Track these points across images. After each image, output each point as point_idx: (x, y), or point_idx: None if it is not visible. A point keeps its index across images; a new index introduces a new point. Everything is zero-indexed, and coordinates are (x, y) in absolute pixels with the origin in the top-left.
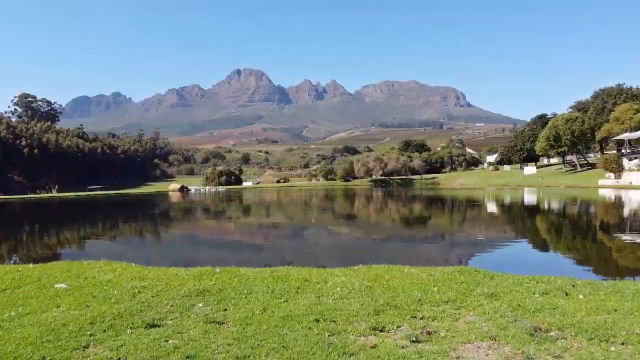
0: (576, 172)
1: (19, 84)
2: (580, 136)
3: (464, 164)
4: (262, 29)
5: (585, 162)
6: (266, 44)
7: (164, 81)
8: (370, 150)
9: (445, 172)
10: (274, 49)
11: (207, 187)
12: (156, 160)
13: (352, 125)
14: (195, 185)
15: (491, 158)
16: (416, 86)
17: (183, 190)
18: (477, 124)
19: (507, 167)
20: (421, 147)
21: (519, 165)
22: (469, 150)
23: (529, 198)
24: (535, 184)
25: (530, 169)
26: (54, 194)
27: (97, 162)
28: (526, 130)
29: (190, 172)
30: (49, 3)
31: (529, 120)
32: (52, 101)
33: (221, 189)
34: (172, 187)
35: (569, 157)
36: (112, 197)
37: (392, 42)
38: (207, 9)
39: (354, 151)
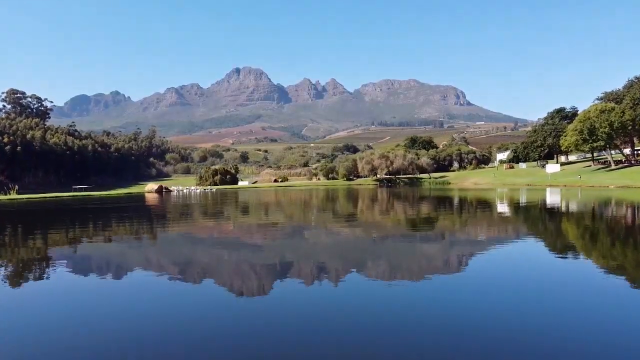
0: (611, 169)
1: (17, 83)
2: (620, 129)
3: (473, 162)
4: (262, 28)
5: (624, 157)
6: (265, 42)
7: (163, 80)
8: (370, 148)
9: (453, 171)
10: (274, 48)
11: (193, 188)
12: (152, 159)
13: (352, 124)
14: (179, 186)
15: (502, 156)
16: (416, 85)
17: (161, 191)
18: (477, 123)
19: (522, 165)
20: (428, 145)
21: (536, 163)
22: (472, 148)
23: (583, 203)
24: (572, 183)
25: (553, 167)
26: (13, 195)
27: (88, 160)
28: (546, 125)
29: (187, 171)
30: (47, 1)
31: (528, 118)
32: (43, 98)
33: (211, 189)
34: (148, 187)
35: (589, 155)
36: (72, 199)
37: (392, 41)
38: (207, 7)
39: (354, 149)
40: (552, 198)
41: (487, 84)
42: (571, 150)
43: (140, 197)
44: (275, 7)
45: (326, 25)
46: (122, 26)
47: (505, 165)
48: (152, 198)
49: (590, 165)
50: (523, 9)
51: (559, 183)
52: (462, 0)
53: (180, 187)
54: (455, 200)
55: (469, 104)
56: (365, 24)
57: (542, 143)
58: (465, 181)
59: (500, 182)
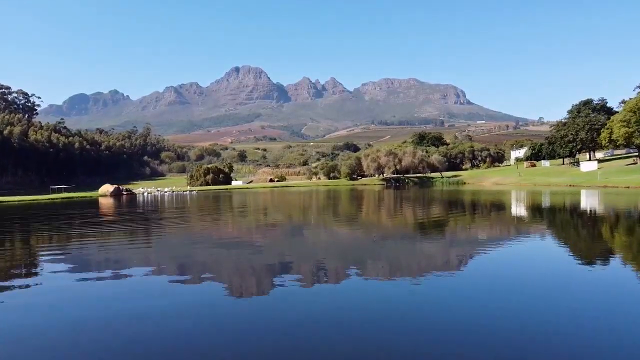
0: None
1: (16, 81)
2: None
3: (487, 160)
4: (261, 27)
5: None
6: (265, 41)
7: (162, 79)
8: (371, 146)
9: (466, 169)
10: (273, 47)
11: (167, 189)
12: (146, 158)
13: (352, 123)
14: (153, 187)
15: (517, 153)
16: (416, 84)
17: (119, 193)
18: (477, 122)
19: (545, 163)
20: (438, 141)
21: (561, 160)
22: (484, 145)
23: None
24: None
25: (589, 165)
26: None
27: (75, 159)
28: (578, 118)
29: (182, 170)
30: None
31: (528, 117)
32: (30, 93)
33: (191, 191)
34: (102, 189)
35: (618, 151)
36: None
37: (392, 40)
38: (206, 6)
39: (354, 148)
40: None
41: (487, 83)
42: (607, 146)
43: (85, 202)
44: (275, 6)
45: (326, 24)
46: (121, 25)
47: (526, 164)
48: (104, 204)
49: (636, 162)
50: (523, 8)
51: (616, 183)
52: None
53: (150, 189)
54: (497, 205)
55: (469, 103)
56: (365, 23)
57: (573, 138)
58: (483, 181)
59: (529, 182)
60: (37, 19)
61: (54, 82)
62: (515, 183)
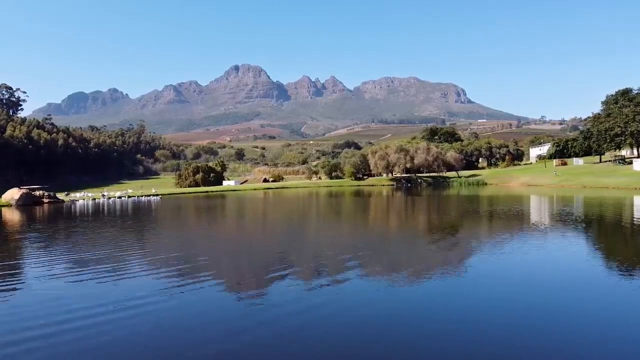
0: None
1: (15, 80)
2: None
3: (507, 157)
4: (261, 25)
5: None
6: (265, 39)
7: (162, 77)
8: (372, 145)
9: (482, 168)
10: (273, 45)
11: (119, 194)
12: (139, 156)
13: (352, 122)
14: (86, 192)
15: (537, 151)
16: (416, 82)
17: (38, 201)
18: (478, 120)
19: (578, 161)
20: (451, 137)
21: (597, 158)
22: (503, 141)
23: None
24: None
25: None
26: None
27: (58, 156)
28: (625, 109)
29: (178, 169)
30: None
31: (529, 116)
32: (14, 87)
33: (155, 195)
34: (6, 197)
35: None
36: None
37: (392, 38)
38: (205, 4)
39: (355, 147)
40: None
41: (488, 81)
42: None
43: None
44: (275, 4)
45: (326, 22)
46: (120, 23)
47: (555, 162)
48: (6, 217)
49: None
50: (523, 8)
51: None
52: None
53: (92, 195)
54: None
55: (470, 101)
56: (365, 21)
57: (622, 131)
58: (510, 181)
59: (574, 184)
60: (36, 18)
61: (53, 81)
62: (555, 185)
